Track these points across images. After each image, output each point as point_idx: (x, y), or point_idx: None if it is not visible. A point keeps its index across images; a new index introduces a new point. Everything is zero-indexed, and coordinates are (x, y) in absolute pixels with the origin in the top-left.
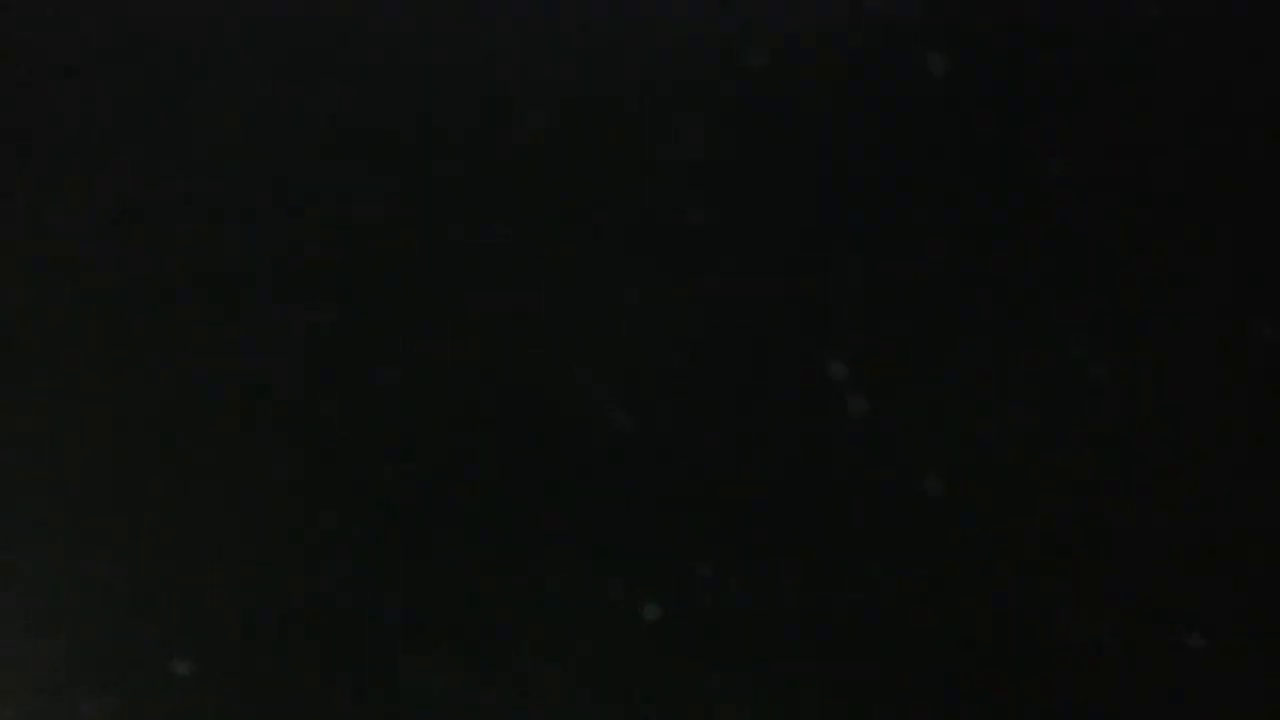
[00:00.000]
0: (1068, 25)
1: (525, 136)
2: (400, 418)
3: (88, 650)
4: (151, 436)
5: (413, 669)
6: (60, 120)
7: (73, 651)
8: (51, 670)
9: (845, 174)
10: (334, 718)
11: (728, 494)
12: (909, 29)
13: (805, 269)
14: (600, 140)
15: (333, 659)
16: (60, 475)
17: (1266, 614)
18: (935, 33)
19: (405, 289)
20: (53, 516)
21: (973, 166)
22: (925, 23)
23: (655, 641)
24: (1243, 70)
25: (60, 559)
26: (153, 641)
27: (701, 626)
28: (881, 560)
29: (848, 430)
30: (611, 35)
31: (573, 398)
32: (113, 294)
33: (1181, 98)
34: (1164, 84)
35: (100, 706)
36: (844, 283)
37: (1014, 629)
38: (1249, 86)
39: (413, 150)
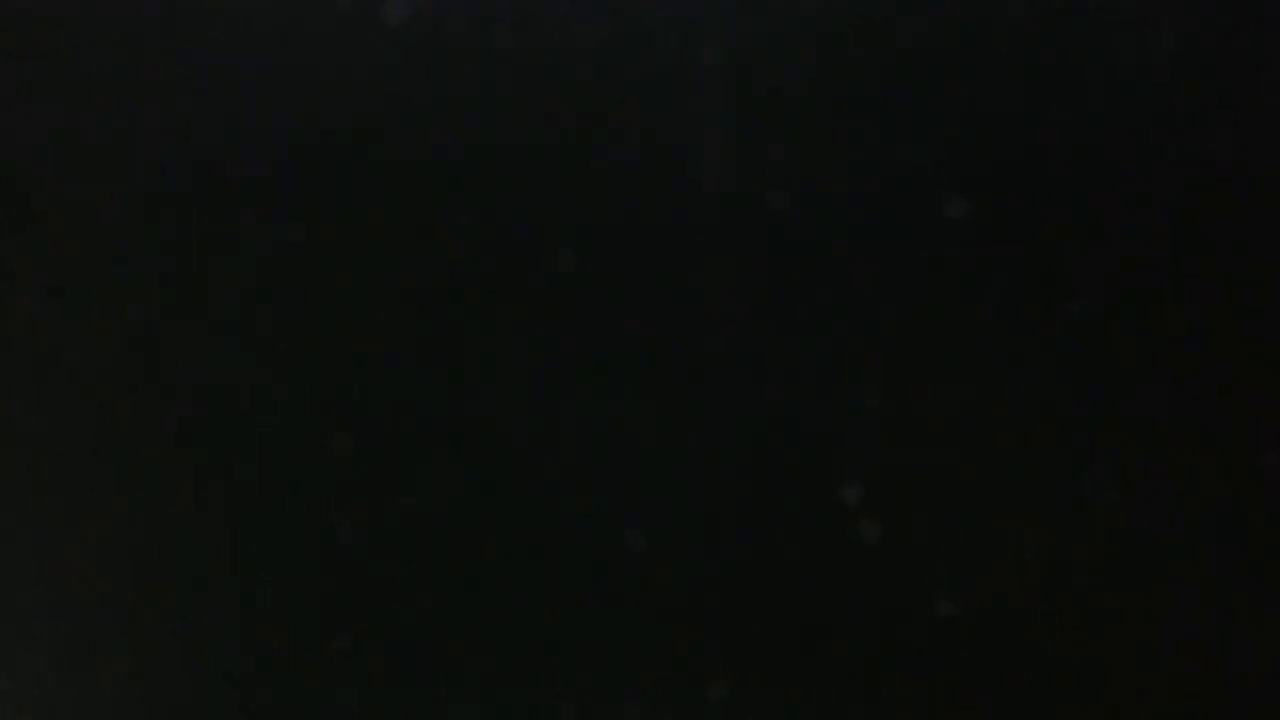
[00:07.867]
0: (1090, 169)
1: (543, 268)
2: (409, 540)
3: None
4: (161, 565)
5: None
6: (67, 240)
7: None
8: None
9: (863, 306)
10: None
11: (740, 616)
12: (929, 172)
13: (819, 397)
14: (618, 274)
15: None
16: (62, 605)
17: None
18: (956, 176)
19: (418, 413)
20: (64, 650)
21: (987, 300)
22: (946, 166)
23: None
24: (1265, 218)
25: (67, 694)
26: None
27: None
28: (894, 684)
29: (860, 555)
30: (630, 173)
31: (585, 518)
32: (121, 419)
33: (1203, 241)
34: (1187, 229)
35: None
36: (857, 410)
37: None
38: (1270, 233)
39: (429, 275)
